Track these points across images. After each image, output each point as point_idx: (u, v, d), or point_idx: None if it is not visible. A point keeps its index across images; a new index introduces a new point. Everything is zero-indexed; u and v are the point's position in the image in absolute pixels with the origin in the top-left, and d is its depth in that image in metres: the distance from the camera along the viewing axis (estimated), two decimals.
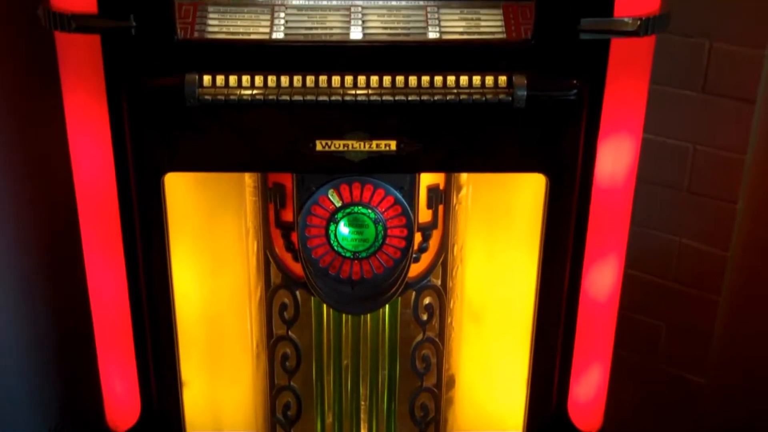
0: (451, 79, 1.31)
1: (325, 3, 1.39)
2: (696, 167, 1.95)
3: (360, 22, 1.36)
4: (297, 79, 1.30)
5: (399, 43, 1.33)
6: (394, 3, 1.39)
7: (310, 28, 1.35)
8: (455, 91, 1.30)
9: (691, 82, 1.88)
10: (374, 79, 1.30)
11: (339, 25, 1.36)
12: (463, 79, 1.31)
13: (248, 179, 1.48)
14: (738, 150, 1.88)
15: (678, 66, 1.87)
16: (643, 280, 2.07)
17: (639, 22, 1.29)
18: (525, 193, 1.48)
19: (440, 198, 1.45)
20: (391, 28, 1.36)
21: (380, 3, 1.40)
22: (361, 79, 1.30)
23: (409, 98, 1.30)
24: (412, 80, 1.31)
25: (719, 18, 1.81)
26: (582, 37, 1.29)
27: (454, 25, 1.36)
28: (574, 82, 1.31)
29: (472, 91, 1.30)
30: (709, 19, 1.81)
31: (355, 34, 1.34)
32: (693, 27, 1.82)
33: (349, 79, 1.30)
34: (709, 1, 1.80)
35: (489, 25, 1.36)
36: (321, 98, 1.30)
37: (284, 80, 1.30)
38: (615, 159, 1.40)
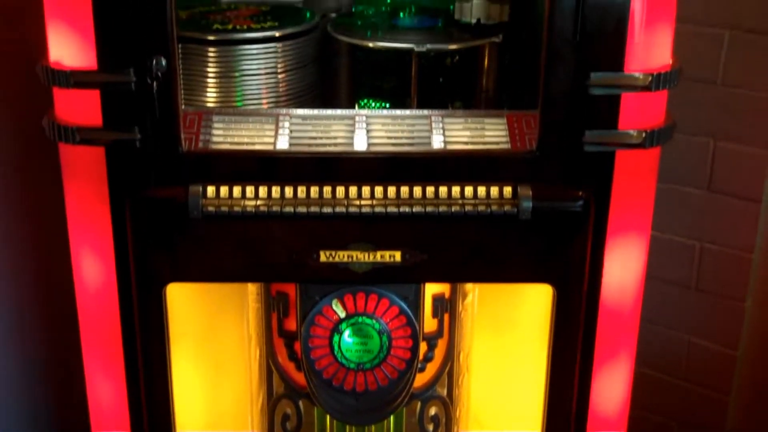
0: (456, 189, 1.30)
1: (329, 112, 1.40)
2: (703, 265, 1.93)
3: (364, 132, 1.36)
4: (301, 190, 1.30)
5: (403, 154, 1.33)
6: (398, 112, 1.40)
7: (315, 137, 1.35)
8: (460, 201, 1.30)
9: (696, 180, 1.88)
10: (379, 189, 1.30)
11: (343, 134, 1.36)
12: (468, 190, 1.30)
13: (251, 286, 1.45)
14: (745, 249, 1.87)
15: (683, 164, 1.87)
16: (652, 377, 2.04)
17: (644, 135, 1.29)
18: (531, 300, 1.46)
19: (446, 307, 1.43)
20: (395, 137, 1.35)
21: (384, 112, 1.40)
22: (366, 189, 1.30)
23: (414, 209, 1.29)
24: (417, 191, 1.30)
25: (723, 117, 1.81)
26: (587, 149, 1.29)
27: (458, 135, 1.36)
28: (580, 193, 1.30)
29: (477, 201, 1.29)
30: (714, 118, 1.82)
31: (360, 143, 1.34)
32: (697, 126, 1.83)
33: (353, 189, 1.30)
34: (713, 101, 1.81)
35: (493, 134, 1.36)
36: (325, 209, 1.29)
37: (288, 191, 1.30)
38: (623, 266, 1.39)
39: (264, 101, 1.49)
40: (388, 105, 1.74)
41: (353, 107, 1.71)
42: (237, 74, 1.48)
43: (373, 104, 1.76)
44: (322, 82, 1.61)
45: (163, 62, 1.24)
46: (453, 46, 1.54)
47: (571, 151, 1.29)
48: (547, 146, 1.29)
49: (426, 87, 1.68)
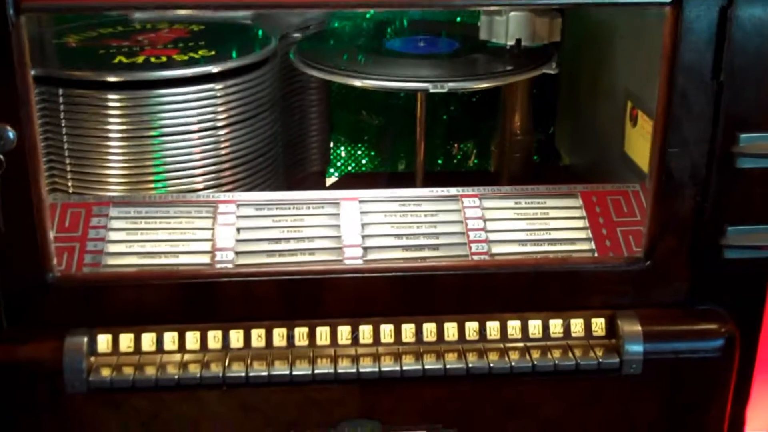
0: (514, 326, 0.83)
1: (300, 196, 0.90)
2: None
3: (358, 226, 0.86)
4: (257, 335, 0.82)
5: (423, 268, 0.82)
6: (410, 193, 0.91)
7: (276, 240, 0.86)
8: (521, 346, 0.80)
9: None
10: (387, 329, 0.82)
11: (324, 232, 0.86)
12: (535, 327, 0.83)
13: None
14: None
15: None
16: None
17: None
18: None
19: None
20: (407, 235, 0.85)
21: (388, 194, 0.90)
22: (365, 330, 0.83)
23: (447, 363, 0.79)
24: (451, 329, 0.84)
25: None
26: (727, 255, 0.82)
27: (508, 229, 0.87)
28: (717, 326, 0.82)
29: (548, 345, 0.82)
30: None
31: (351, 250, 0.83)
32: None
33: (343, 330, 0.82)
34: None
35: (564, 227, 0.88)
36: (299, 369, 0.78)
37: (235, 337, 0.81)
38: None
39: (197, 177, 0.96)
40: (372, 153, 1.28)
41: (328, 163, 1.22)
42: (154, 134, 0.95)
43: (356, 151, 1.29)
44: (284, 130, 1.09)
45: (11, 135, 0.74)
46: (482, 85, 1.02)
47: (703, 260, 0.84)
48: (662, 251, 0.84)
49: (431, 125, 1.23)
